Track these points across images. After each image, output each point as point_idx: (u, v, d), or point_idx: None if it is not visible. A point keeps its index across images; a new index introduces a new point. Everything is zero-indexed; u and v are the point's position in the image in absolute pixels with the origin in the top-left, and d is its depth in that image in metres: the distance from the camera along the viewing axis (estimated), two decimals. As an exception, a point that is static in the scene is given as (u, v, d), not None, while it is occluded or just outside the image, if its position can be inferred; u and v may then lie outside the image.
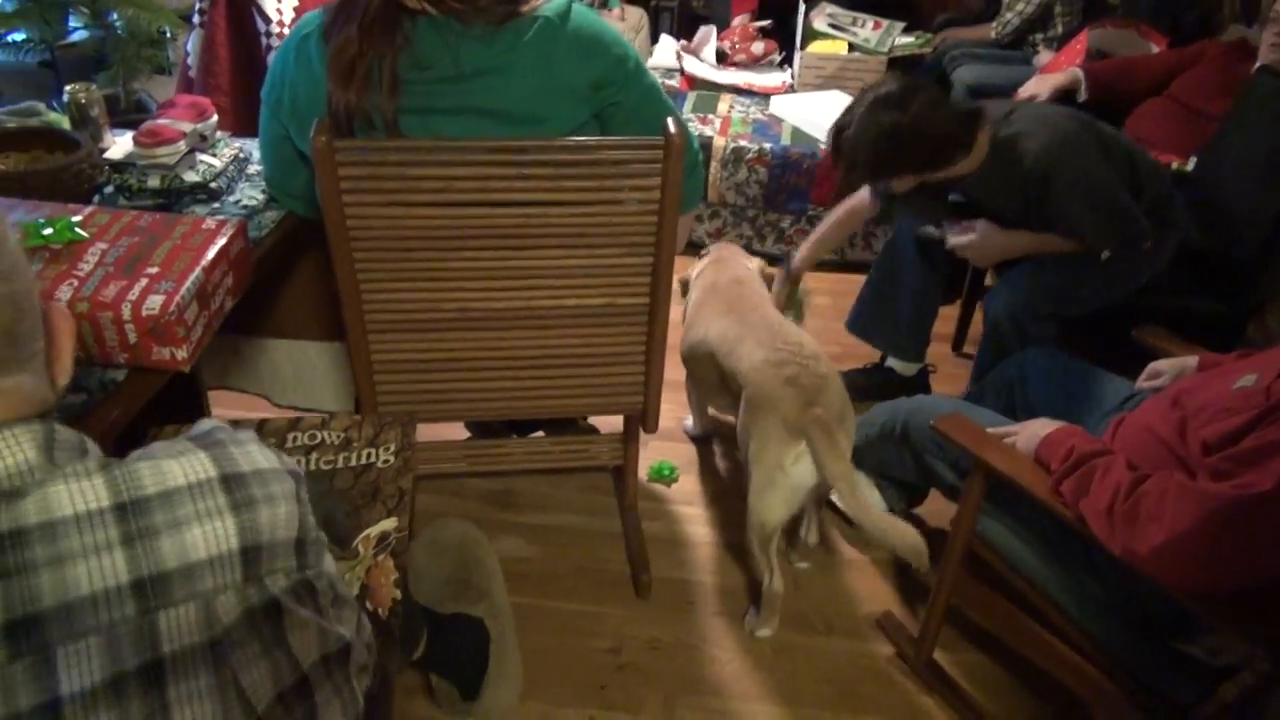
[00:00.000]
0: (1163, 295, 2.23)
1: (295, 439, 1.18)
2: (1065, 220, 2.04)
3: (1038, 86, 2.77)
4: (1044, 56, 3.49)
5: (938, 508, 2.04)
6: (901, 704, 1.75)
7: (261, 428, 1.20)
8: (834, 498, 2.13)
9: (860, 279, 3.17)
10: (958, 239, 2.17)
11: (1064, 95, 2.79)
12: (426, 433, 2.00)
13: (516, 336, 1.56)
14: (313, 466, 1.14)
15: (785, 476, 1.68)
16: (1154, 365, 1.78)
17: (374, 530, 1.03)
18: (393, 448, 1.16)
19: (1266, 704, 1.22)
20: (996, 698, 1.77)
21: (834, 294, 3.15)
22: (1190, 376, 1.62)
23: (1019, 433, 1.57)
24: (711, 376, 1.92)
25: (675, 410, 2.42)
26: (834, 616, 1.91)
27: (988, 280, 2.66)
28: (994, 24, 3.85)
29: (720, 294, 1.94)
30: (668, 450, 2.33)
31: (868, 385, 2.52)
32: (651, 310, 1.58)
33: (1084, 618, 1.50)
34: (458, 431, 2.13)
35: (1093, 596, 1.50)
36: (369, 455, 1.15)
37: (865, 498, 1.65)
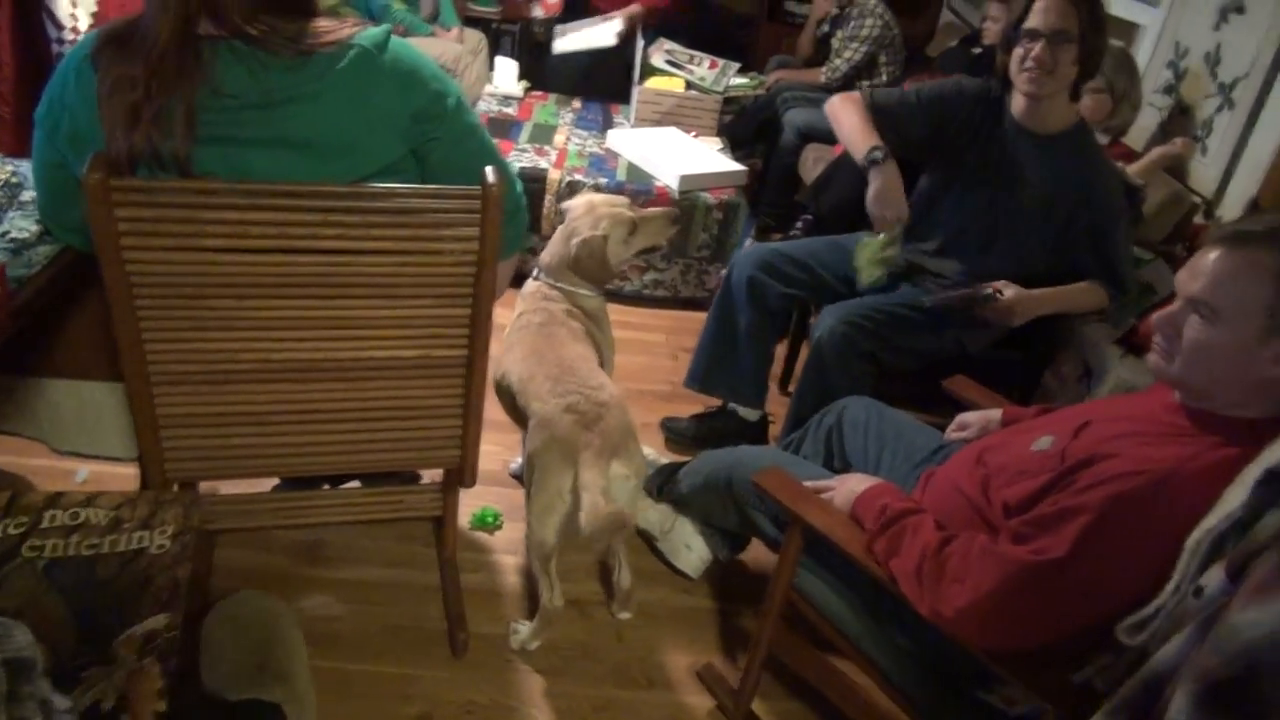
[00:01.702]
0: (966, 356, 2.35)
1: (53, 518, 1.04)
2: (1097, 243, 2.18)
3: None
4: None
5: (761, 555, 2.06)
6: (722, 759, 1.74)
7: (11, 504, 1.05)
8: (658, 545, 2.12)
9: (692, 315, 3.21)
10: (1000, 298, 2.16)
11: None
12: (229, 483, 1.86)
13: (324, 389, 1.46)
14: (72, 552, 1.00)
15: (564, 503, 1.69)
16: (961, 417, 1.85)
17: (140, 629, 0.91)
18: (170, 530, 1.04)
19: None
20: (814, 747, 1.79)
21: (668, 331, 3.16)
22: (994, 433, 1.68)
23: (836, 488, 1.60)
24: (513, 413, 1.93)
25: (501, 452, 2.35)
26: (654, 669, 1.89)
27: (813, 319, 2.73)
28: (824, 69, 4.00)
29: (528, 338, 1.93)
30: (492, 495, 2.25)
31: (711, 430, 2.53)
32: (470, 362, 1.51)
33: (893, 671, 1.53)
34: (264, 480, 1.98)
35: (902, 651, 1.53)
36: (141, 539, 1.01)
37: (604, 499, 1.66)
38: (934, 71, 3.59)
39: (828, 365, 2.21)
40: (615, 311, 3.16)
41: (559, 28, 4.12)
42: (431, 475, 2.02)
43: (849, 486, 1.57)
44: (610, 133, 3.44)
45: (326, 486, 1.95)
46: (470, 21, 4.57)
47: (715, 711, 1.82)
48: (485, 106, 3.68)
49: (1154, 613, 1.17)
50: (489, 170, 1.33)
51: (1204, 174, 2.77)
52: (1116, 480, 1.24)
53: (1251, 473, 1.10)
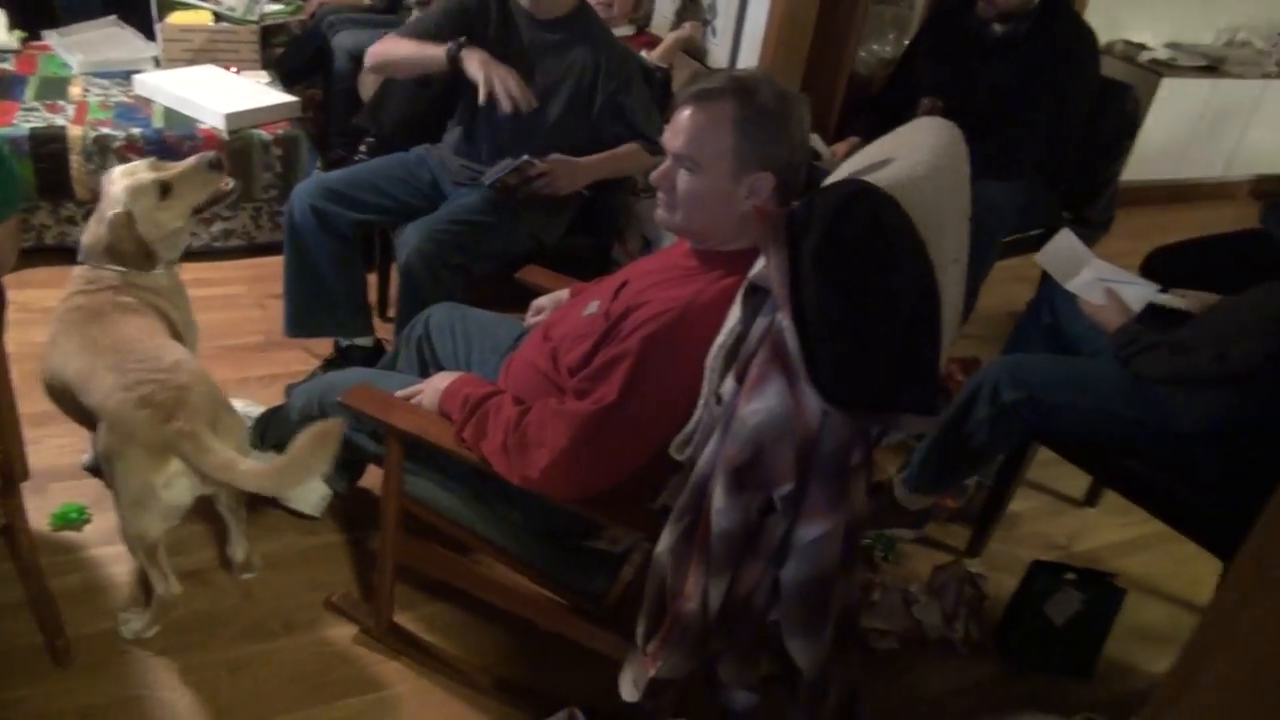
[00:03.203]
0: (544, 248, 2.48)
1: None
2: (628, 106, 2.29)
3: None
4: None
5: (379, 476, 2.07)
6: (373, 676, 1.77)
7: None
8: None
9: (273, 260, 3.06)
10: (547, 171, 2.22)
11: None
12: None
13: None
14: None
15: (157, 500, 1.60)
16: (536, 302, 1.97)
17: None
18: None
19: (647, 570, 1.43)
20: (462, 640, 1.86)
21: (250, 280, 2.99)
22: (557, 309, 1.82)
23: (423, 390, 1.64)
24: (76, 413, 1.75)
25: (73, 444, 2.12)
26: (290, 615, 1.86)
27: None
28: (367, -11, 3.88)
29: (77, 328, 1.73)
30: (74, 490, 2.04)
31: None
32: (-19, 343, 1.34)
33: (512, 545, 1.63)
34: None
35: (515, 524, 1.64)
36: None
37: (254, 469, 1.61)
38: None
39: (420, 284, 2.24)
40: (187, 271, 2.94)
41: None
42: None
43: (434, 385, 1.62)
44: (137, 78, 3.10)
45: None
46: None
47: (360, 635, 1.84)
48: (-28, 64, 3.16)
49: (693, 428, 1.35)
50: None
51: (718, 52, 3.10)
52: (647, 323, 1.40)
53: (741, 290, 1.30)
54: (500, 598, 1.70)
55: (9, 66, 3.18)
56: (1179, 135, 4.46)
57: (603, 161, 2.37)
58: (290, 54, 3.82)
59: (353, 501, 2.10)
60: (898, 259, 1.18)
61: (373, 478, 2.08)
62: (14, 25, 3.42)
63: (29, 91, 3.00)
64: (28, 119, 2.80)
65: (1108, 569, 1.99)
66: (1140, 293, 2.02)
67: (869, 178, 1.19)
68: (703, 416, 1.34)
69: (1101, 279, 2.07)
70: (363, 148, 2.96)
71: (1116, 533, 2.39)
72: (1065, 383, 1.94)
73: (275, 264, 3.03)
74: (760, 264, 1.26)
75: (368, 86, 3.45)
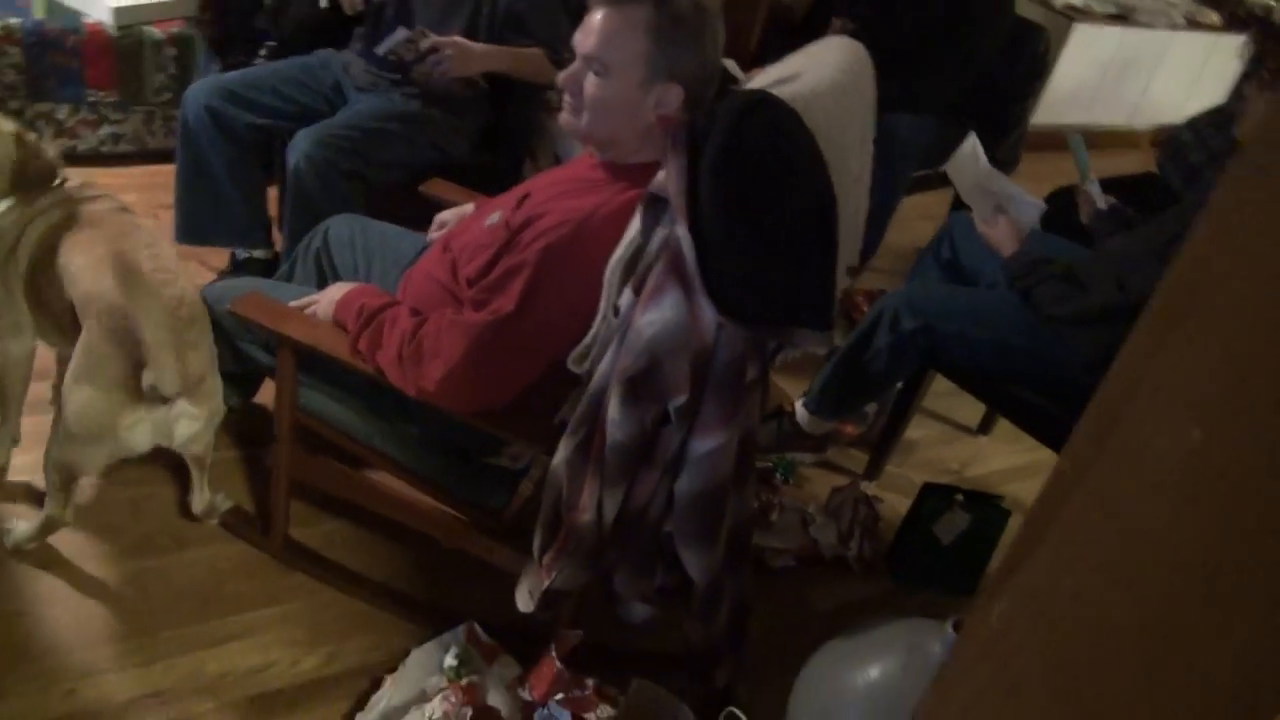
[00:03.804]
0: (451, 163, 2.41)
1: None
2: (520, 21, 2.24)
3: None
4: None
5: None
6: (268, 590, 1.74)
7: None
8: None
9: (166, 168, 2.91)
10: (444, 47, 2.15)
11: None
12: None
13: None
14: None
15: (116, 440, 1.52)
16: (439, 216, 1.91)
17: None
18: None
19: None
20: (359, 556, 1.84)
21: (141, 188, 2.84)
22: (459, 222, 1.77)
23: (319, 301, 1.59)
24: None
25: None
26: (184, 530, 1.81)
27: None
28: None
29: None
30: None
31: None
32: None
33: (411, 460, 1.61)
34: None
35: (413, 438, 1.62)
36: None
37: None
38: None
39: (310, 192, 2.15)
40: (72, 176, 2.78)
41: None
42: None
43: (329, 296, 1.57)
44: (14, -35, 2.88)
45: None
46: None
47: (255, 552, 1.80)
48: None
49: (591, 340, 1.35)
50: None
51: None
52: (547, 233, 1.38)
53: (642, 202, 1.28)
54: (399, 513, 1.68)
55: None
56: (1088, 82, 4.56)
57: (501, 54, 2.28)
58: (187, -49, 3.60)
59: (249, 417, 2.04)
60: (796, 171, 1.18)
61: (267, 394, 2.03)
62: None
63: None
64: (-111, 4, 2.58)
65: (996, 493, 2.07)
66: (1029, 212, 2.08)
67: (772, 90, 1.18)
68: (600, 329, 1.33)
69: (993, 191, 2.13)
70: (263, 52, 2.82)
71: (1007, 459, 2.49)
72: (962, 313, 1.99)
73: (168, 172, 2.87)
74: (661, 174, 1.24)
75: (271, -11, 3.29)
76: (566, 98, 1.44)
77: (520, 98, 2.47)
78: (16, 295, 1.63)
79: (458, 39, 2.20)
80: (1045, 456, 2.04)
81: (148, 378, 1.46)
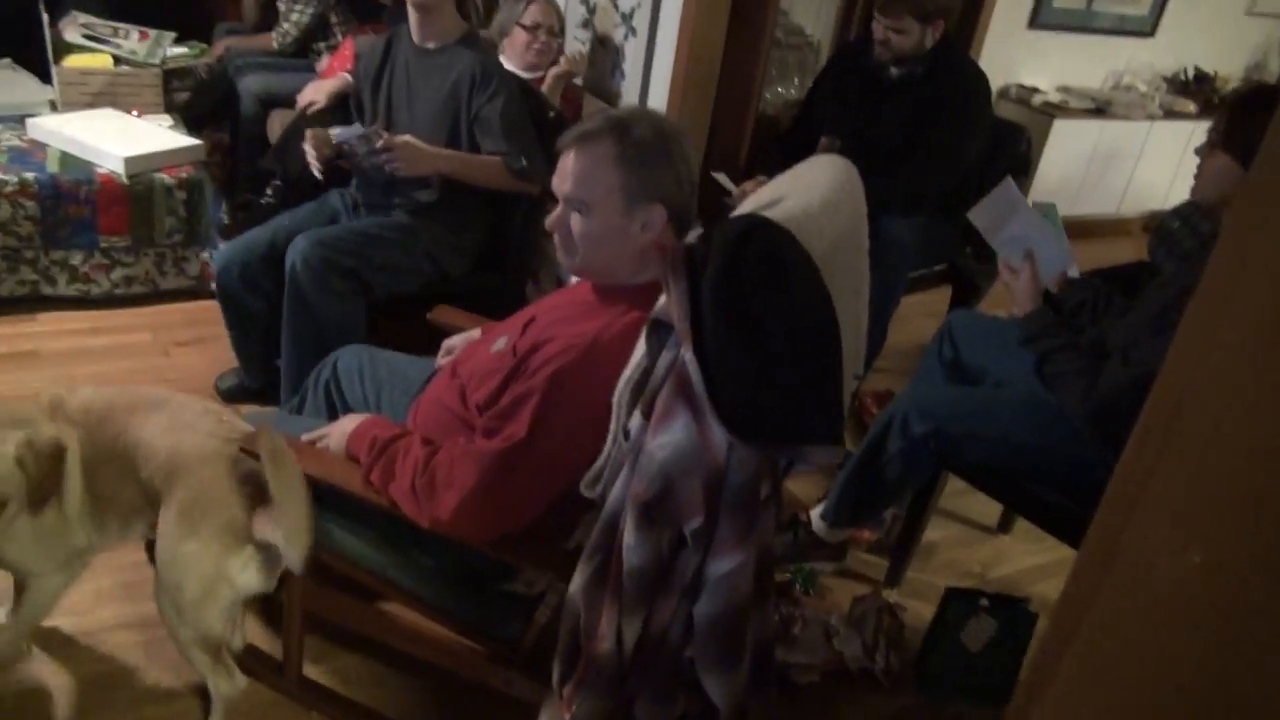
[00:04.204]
0: (454, 283, 2.48)
1: None
2: (490, 123, 2.33)
3: (314, 93, 2.82)
4: (325, 63, 3.58)
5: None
6: (283, 734, 1.70)
7: None
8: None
9: (178, 307, 2.99)
10: (391, 139, 2.25)
11: (340, 99, 2.89)
12: None
13: None
14: None
15: (232, 588, 1.51)
16: (447, 342, 1.94)
17: None
18: None
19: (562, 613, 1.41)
20: (376, 691, 1.80)
21: (154, 328, 2.90)
22: (466, 347, 1.80)
23: (330, 433, 1.60)
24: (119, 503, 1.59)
25: None
26: (194, 673, 1.77)
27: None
28: (274, 34, 3.84)
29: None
30: None
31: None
32: None
33: (425, 592, 1.59)
34: None
35: (427, 569, 1.60)
36: None
37: None
38: (381, 24, 3.61)
39: (306, 293, 2.23)
40: (85, 319, 2.86)
41: None
42: None
43: (340, 428, 1.58)
44: (31, 121, 3.00)
45: None
46: None
47: (270, 692, 1.76)
48: None
49: (603, 464, 1.34)
50: None
51: (628, 95, 3.14)
52: (554, 359, 1.40)
53: (647, 326, 1.30)
54: (415, 646, 1.65)
55: (-108, 111, 3.05)
56: (1073, 174, 4.67)
57: (453, 158, 2.37)
58: (197, 98, 3.75)
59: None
60: (795, 291, 1.20)
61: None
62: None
63: (-86, 137, 2.88)
64: (-91, 164, 2.68)
65: (1021, 594, 2.03)
66: (1057, 257, 2.08)
67: (766, 213, 1.21)
68: (612, 453, 1.33)
69: (1027, 235, 2.14)
70: (269, 191, 2.92)
71: (1030, 558, 2.45)
72: (972, 413, 1.99)
73: (180, 310, 2.98)
74: (663, 299, 1.26)
75: (275, 131, 3.41)
76: (558, 238, 1.48)
77: (521, 219, 2.54)
78: (73, 522, 1.57)
79: (409, 139, 2.30)
80: (1068, 554, 2.01)
81: (270, 530, 1.46)
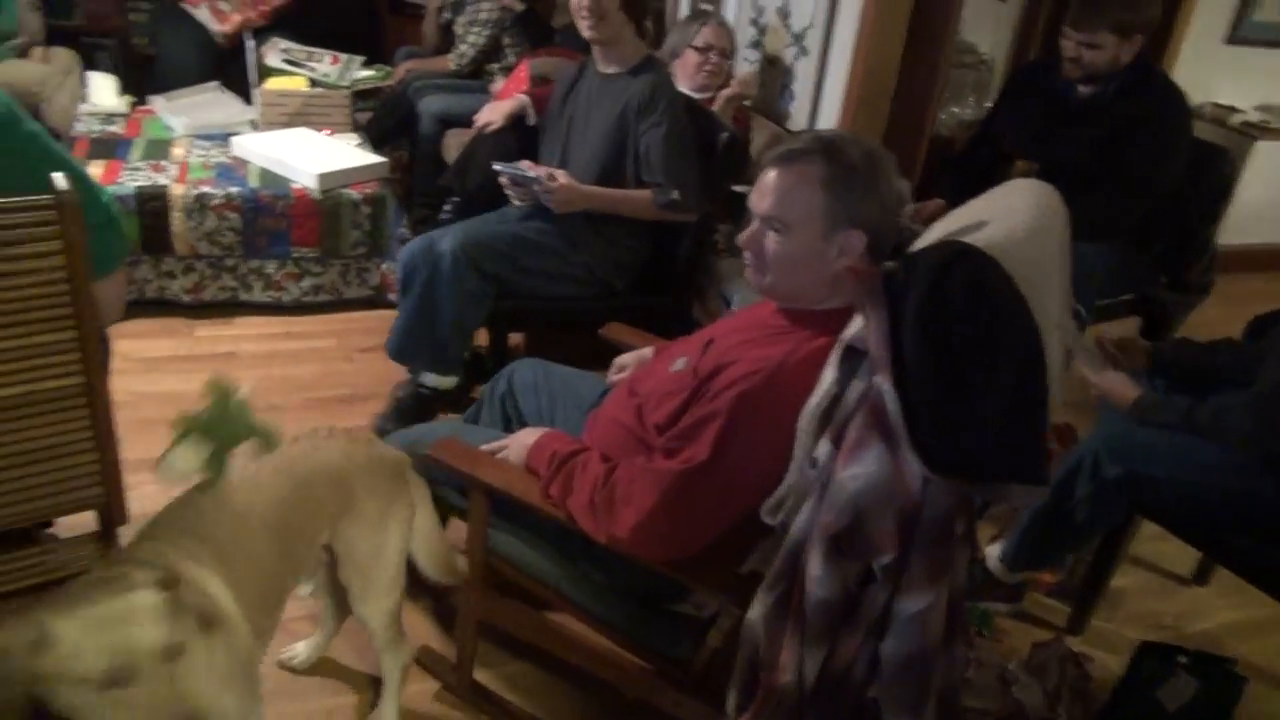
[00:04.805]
0: (619, 298, 2.52)
1: None
2: (649, 150, 2.37)
3: (491, 114, 2.91)
4: (499, 84, 3.71)
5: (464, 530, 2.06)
6: (452, 735, 1.74)
7: None
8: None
9: (361, 315, 3.15)
10: (547, 182, 2.35)
11: (516, 119, 2.98)
12: None
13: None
14: None
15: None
16: (618, 359, 1.96)
17: None
18: None
19: (737, 637, 1.39)
20: (544, 700, 1.83)
21: (338, 334, 3.06)
22: (642, 365, 1.81)
23: (509, 445, 1.64)
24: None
25: (168, 490, 2.16)
26: (372, 669, 1.84)
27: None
28: (451, 56, 4.01)
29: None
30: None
31: (409, 408, 2.54)
32: (89, 388, 1.38)
33: (595, 606, 1.61)
34: None
35: (599, 585, 1.61)
36: None
37: None
38: (553, 48, 3.72)
39: (441, 284, 2.36)
40: (277, 324, 3.04)
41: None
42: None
43: (520, 441, 1.62)
44: (235, 139, 3.24)
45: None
46: (58, 38, 4.08)
47: (441, 692, 1.81)
48: (85, 127, 3.33)
49: (786, 491, 1.32)
50: (57, 176, 1.21)
51: (797, 115, 3.11)
52: (739, 382, 1.38)
53: (836, 353, 1.27)
54: (583, 659, 1.67)
55: (118, 129, 3.35)
56: (1276, 200, 4.32)
57: (605, 197, 2.43)
58: (379, 117, 3.96)
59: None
60: (1001, 321, 1.14)
61: (453, 532, 2.08)
62: (123, 90, 3.62)
63: (135, 152, 3.15)
64: (134, 178, 2.93)
65: (1224, 653, 1.87)
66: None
67: (967, 238, 1.16)
68: (796, 480, 1.31)
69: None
70: (447, 207, 3.03)
71: (1231, 614, 2.25)
72: (1168, 455, 1.85)
73: (362, 318, 3.13)
74: (857, 326, 1.23)
75: (450, 150, 3.56)
76: (749, 256, 1.46)
77: (690, 238, 2.54)
78: (275, 613, 1.49)
79: (568, 182, 2.37)
80: (1277, 612, 1.84)
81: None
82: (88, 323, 1.30)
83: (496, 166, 2.46)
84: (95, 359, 1.34)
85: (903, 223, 2.51)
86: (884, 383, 1.13)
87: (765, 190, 1.41)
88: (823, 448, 1.24)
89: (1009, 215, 1.30)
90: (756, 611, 1.31)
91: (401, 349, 2.49)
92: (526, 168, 2.43)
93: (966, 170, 2.81)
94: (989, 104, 3.57)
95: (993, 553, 2.08)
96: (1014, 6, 4.02)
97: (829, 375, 1.26)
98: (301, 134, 3.36)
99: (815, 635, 1.23)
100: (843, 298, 1.43)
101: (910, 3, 2.74)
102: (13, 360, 1.29)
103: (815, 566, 1.21)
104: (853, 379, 1.22)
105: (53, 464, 1.42)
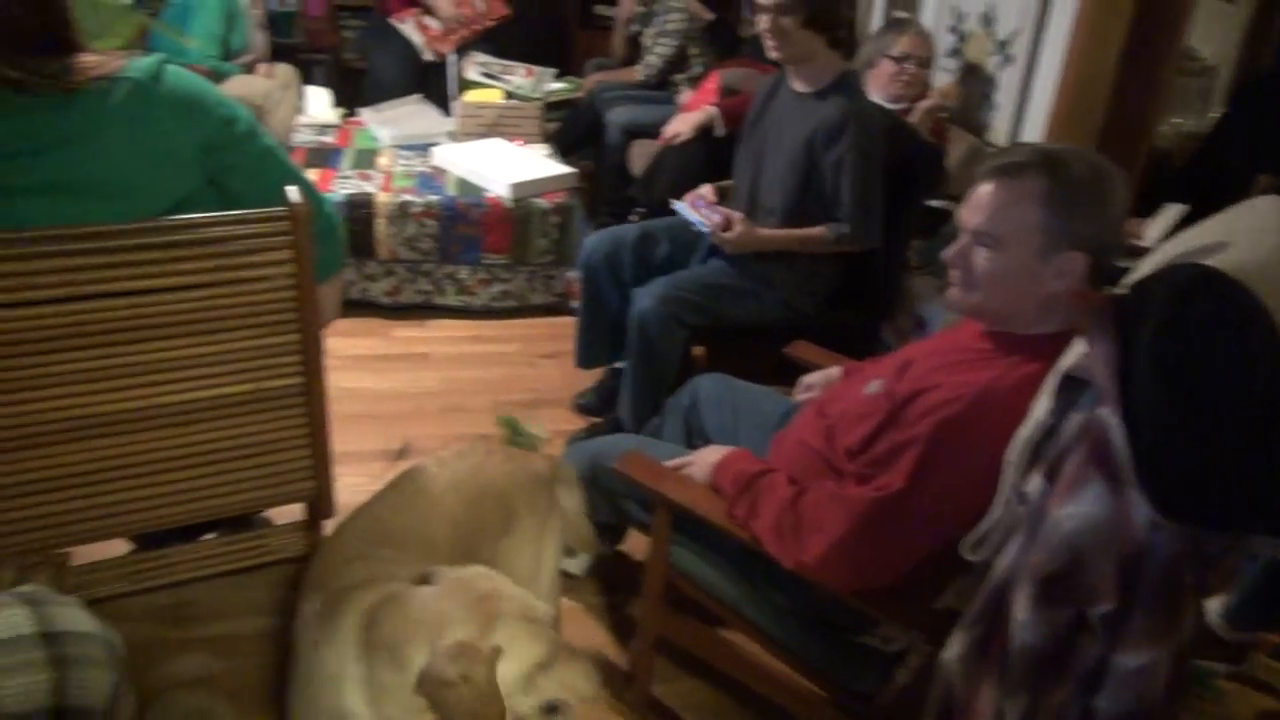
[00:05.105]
0: (805, 318, 2.45)
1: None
2: (832, 180, 2.30)
3: (680, 125, 2.94)
4: (685, 96, 3.73)
5: (643, 542, 2.07)
6: (626, 747, 1.75)
7: None
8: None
9: (545, 321, 3.23)
10: (719, 233, 2.34)
11: (704, 131, 2.98)
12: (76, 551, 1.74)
13: (150, 439, 1.38)
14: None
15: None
16: (805, 378, 1.92)
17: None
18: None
19: (930, 680, 1.32)
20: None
21: (523, 340, 3.15)
22: (832, 386, 1.75)
23: (694, 463, 1.63)
24: None
25: (367, 483, 2.28)
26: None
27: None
28: (639, 67, 4.07)
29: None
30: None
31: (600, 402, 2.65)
32: (307, 389, 1.47)
33: (775, 630, 1.57)
34: (114, 545, 1.86)
35: (781, 609, 1.58)
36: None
37: None
38: (742, 58, 3.70)
39: (654, 344, 2.33)
40: (466, 327, 3.17)
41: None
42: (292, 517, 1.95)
43: (705, 459, 1.60)
44: (435, 150, 3.40)
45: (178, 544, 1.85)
46: (279, 55, 4.43)
47: (614, 701, 1.82)
48: (302, 138, 3.58)
49: (990, 526, 1.24)
50: (291, 189, 1.29)
51: (998, 126, 2.96)
52: (939, 408, 1.31)
53: (1051, 382, 1.18)
54: (760, 682, 1.63)
55: (331, 139, 3.59)
56: None
57: (781, 239, 2.37)
58: (566, 127, 4.07)
59: (613, 564, 2.12)
60: (1252, 353, 1.03)
61: (633, 543, 2.10)
62: (336, 103, 3.87)
63: (346, 161, 3.36)
64: (344, 186, 3.13)
65: None
66: None
67: (1210, 261, 1.06)
68: (1002, 515, 1.23)
69: None
70: (633, 217, 3.07)
71: None
72: None
73: (547, 325, 3.21)
74: (1077, 353, 1.14)
75: (636, 161, 3.60)
76: (955, 273, 1.39)
77: (884, 258, 2.46)
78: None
79: (743, 228, 2.32)
80: None
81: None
82: (310, 326, 1.39)
83: (674, 205, 2.44)
84: (316, 360, 1.42)
85: (1134, 245, 2.35)
86: (1110, 417, 1.05)
87: (979, 204, 1.33)
88: (1034, 482, 1.16)
89: (1257, 237, 1.17)
90: (953, 651, 1.24)
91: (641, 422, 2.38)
92: (707, 195, 2.40)
93: (1190, 186, 2.60)
94: (1214, 114, 3.29)
95: (1213, 607, 1.90)
96: (1243, 7, 3.69)
97: (1043, 405, 1.18)
98: (495, 144, 3.49)
99: (1016, 683, 1.15)
100: (1055, 323, 1.34)
101: (1131, 6, 2.55)
102: (241, 360, 1.39)
103: (1022, 610, 1.13)
104: (1071, 411, 1.14)
105: (270, 458, 1.53)
